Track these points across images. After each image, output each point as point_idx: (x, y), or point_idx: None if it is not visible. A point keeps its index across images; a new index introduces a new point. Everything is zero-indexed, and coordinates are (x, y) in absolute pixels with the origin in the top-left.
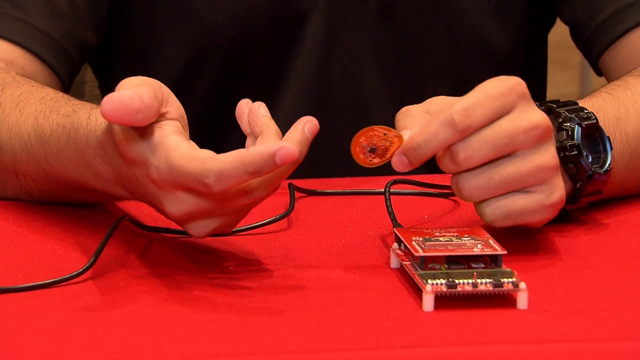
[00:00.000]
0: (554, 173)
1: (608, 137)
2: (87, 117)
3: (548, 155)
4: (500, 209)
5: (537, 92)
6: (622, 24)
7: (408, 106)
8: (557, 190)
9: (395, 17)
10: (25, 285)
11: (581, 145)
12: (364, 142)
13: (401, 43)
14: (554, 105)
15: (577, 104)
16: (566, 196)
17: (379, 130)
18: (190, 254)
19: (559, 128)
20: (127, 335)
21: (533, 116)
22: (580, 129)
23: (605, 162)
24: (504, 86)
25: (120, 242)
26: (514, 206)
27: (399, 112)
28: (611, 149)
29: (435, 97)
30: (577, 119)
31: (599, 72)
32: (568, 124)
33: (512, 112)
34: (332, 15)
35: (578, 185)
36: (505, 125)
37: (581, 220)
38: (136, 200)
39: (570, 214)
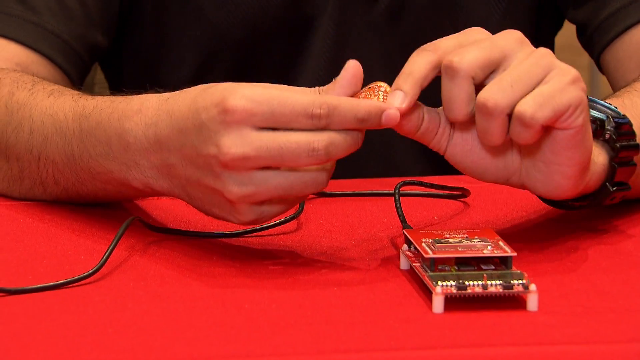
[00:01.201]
0: (554, 59)
1: (604, 101)
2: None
3: (540, 48)
4: (531, 100)
5: None
6: (623, 21)
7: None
8: (568, 68)
9: (404, 20)
10: (35, 286)
11: None
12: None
13: (410, 46)
14: None
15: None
16: (606, 156)
17: (378, 85)
18: (200, 255)
19: None
20: (137, 336)
21: (502, 32)
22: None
23: (618, 112)
24: (464, 31)
25: (131, 243)
26: (540, 91)
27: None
28: (615, 107)
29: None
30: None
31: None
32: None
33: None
34: (341, 19)
35: (607, 135)
36: (483, 39)
37: (590, 223)
38: (149, 192)
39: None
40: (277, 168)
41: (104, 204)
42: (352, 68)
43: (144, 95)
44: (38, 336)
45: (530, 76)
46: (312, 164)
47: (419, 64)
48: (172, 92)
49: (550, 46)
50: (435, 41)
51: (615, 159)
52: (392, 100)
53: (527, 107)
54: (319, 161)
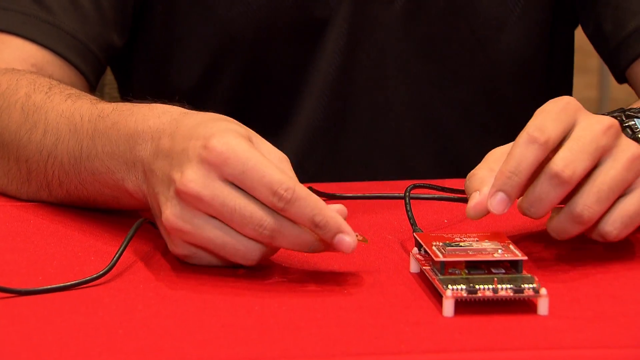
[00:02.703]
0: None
1: None
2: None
3: (632, 145)
4: (618, 221)
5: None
6: None
7: (472, 171)
8: None
9: (419, 22)
10: (45, 287)
11: None
12: None
13: (426, 48)
14: (606, 113)
15: (624, 109)
16: None
17: None
18: None
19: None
20: (147, 338)
21: (602, 119)
22: (639, 120)
23: None
24: (559, 102)
25: (141, 245)
26: (628, 211)
27: (466, 180)
28: None
29: (491, 151)
30: (632, 114)
31: (622, 81)
32: (627, 121)
33: (580, 123)
34: (355, 20)
35: None
36: (584, 132)
37: None
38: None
39: None
40: (220, 221)
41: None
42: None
43: (169, 105)
44: (48, 337)
45: (624, 184)
46: (254, 238)
47: (529, 162)
48: (194, 111)
49: (569, 48)
50: (542, 125)
51: None
52: (494, 203)
53: (612, 228)
54: (261, 239)
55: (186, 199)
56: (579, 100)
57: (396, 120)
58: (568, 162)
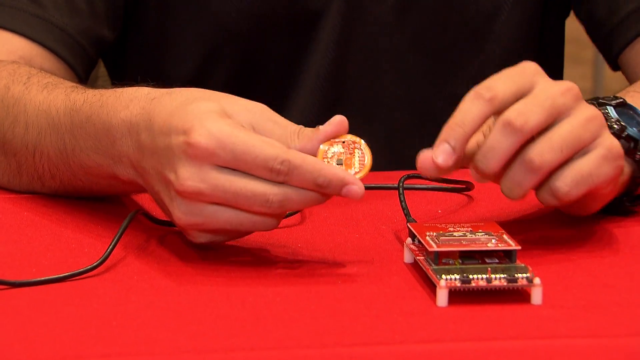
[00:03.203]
0: (603, 124)
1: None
2: (134, 90)
3: (591, 109)
4: (569, 178)
5: None
6: None
7: None
8: (613, 141)
9: (413, 15)
10: (39, 279)
11: (621, 120)
12: (327, 159)
13: (418, 41)
14: None
15: (597, 97)
16: (631, 174)
17: (335, 141)
18: (203, 248)
19: None
20: (141, 329)
21: (561, 82)
22: (612, 107)
23: None
24: (518, 66)
25: (134, 237)
26: (580, 169)
27: None
28: None
29: None
30: (604, 101)
31: (616, 68)
32: (600, 109)
33: (539, 85)
34: (349, 14)
35: (637, 156)
36: (541, 91)
37: (595, 217)
38: (139, 187)
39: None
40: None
41: (107, 198)
42: (338, 120)
43: (134, 89)
44: (42, 329)
45: (579, 141)
46: (264, 213)
47: (473, 114)
48: (160, 91)
49: (560, 36)
50: (491, 84)
51: (638, 178)
52: (438, 153)
53: (563, 184)
54: (271, 212)
55: (188, 196)
56: None
57: (389, 112)
58: (521, 112)
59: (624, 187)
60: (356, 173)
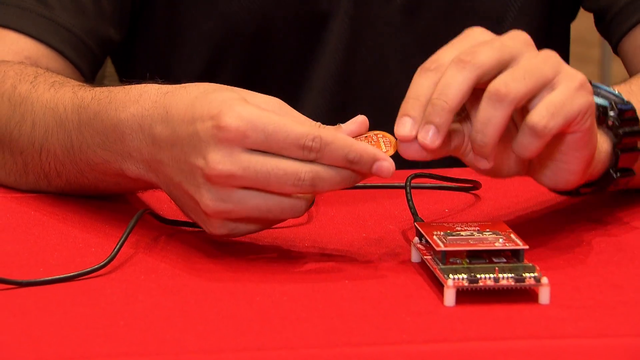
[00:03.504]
0: (562, 61)
1: (608, 87)
2: (141, 87)
3: (545, 50)
4: (543, 110)
5: None
6: None
7: None
8: (576, 72)
9: (421, 16)
10: (46, 278)
11: None
12: None
13: (427, 42)
14: None
15: None
16: (610, 143)
17: (374, 133)
18: (210, 247)
19: None
20: (148, 329)
21: (508, 32)
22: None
23: (622, 99)
24: (464, 34)
25: (142, 236)
26: (552, 100)
27: None
28: (619, 92)
29: None
30: None
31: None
32: None
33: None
34: (357, 15)
35: (610, 122)
36: (492, 40)
37: (602, 216)
38: (145, 184)
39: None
40: (258, 189)
41: (113, 197)
42: (361, 119)
43: (142, 85)
44: (49, 328)
45: (541, 73)
46: (296, 193)
47: (424, 87)
48: (172, 86)
49: (565, 41)
50: (435, 56)
51: (618, 145)
52: (400, 127)
53: (539, 117)
54: (303, 191)
55: (219, 181)
56: None
57: (397, 113)
58: (471, 50)
59: (607, 159)
60: (387, 152)
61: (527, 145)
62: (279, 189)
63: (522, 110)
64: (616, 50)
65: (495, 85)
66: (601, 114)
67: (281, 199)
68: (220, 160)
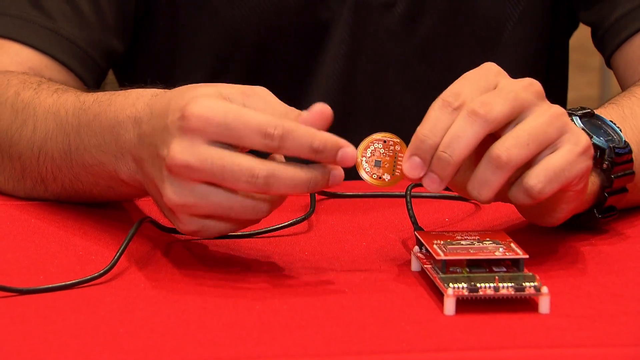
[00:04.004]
0: (569, 121)
1: (611, 121)
2: (138, 89)
3: (555, 107)
4: (542, 174)
5: (559, 95)
6: (633, 24)
7: None
8: (580, 134)
9: (420, 26)
10: (46, 286)
11: (586, 129)
12: (366, 157)
13: (426, 52)
14: None
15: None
16: (599, 184)
17: (376, 139)
18: (211, 256)
19: None
20: (148, 337)
21: (522, 79)
22: (578, 117)
23: (621, 139)
24: (479, 69)
25: (142, 244)
26: (552, 165)
27: None
28: (619, 129)
29: None
30: (571, 111)
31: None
32: None
33: (501, 82)
34: (357, 24)
35: (605, 165)
36: (506, 86)
37: (602, 228)
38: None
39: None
40: (216, 185)
41: (114, 206)
42: (318, 107)
43: (141, 89)
44: (49, 336)
45: (545, 137)
46: (250, 191)
47: (438, 127)
48: (165, 89)
49: (565, 49)
50: (456, 89)
51: (607, 189)
52: (409, 168)
53: (536, 181)
54: (257, 189)
55: (178, 172)
56: (580, 98)
57: (398, 121)
58: (485, 102)
59: (594, 198)
60: (391, 178)
61: (520, 199)
62: (233, 185)
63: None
64: (609, 63)
65: (497, 151)
66: (598, 155)
67: (243, 198)
68: (180, 151)
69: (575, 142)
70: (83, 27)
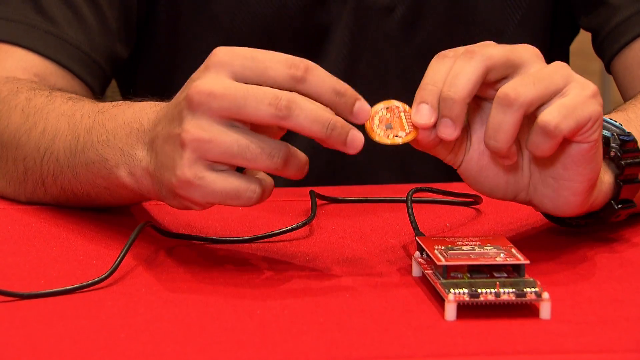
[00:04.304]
0: (572, 71)
1: (609, 118)
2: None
3: (557, 62)
4: (555, 111)
5: None
6: (633, 29)
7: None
8: (587, 81)
9: (419, 30)
10: (47, 290)
11: None
12: (379, 120)
13: (426, 56)
14: None
15: None
16: (612, 174)
17: (378, 110)
18: (212, 260)
19: None
20: (149, 342)
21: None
22: None
23: (623, 130)
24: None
25: (143, 249)
26: (564, 103)
27: None
28: (620, 123)
29: None
30: None
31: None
32: None
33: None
34: (357, 28)
35: (613, 152)
36: (501, 46)
37: (603, 232)
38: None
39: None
40: (238, 120)
41: (115, 210)
42: None
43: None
44: (50, 341)
45: (551, 80)
46: (272, 117)
47: (440, 72)
48: None
49: (565, 55)
50: (455, 48)
51: (620, 176)
52: (419, 116)
53: (551, 117)
54: (279, 112)
55: (199, 102)
56: None
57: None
58: (482, 46)
59: (610, 189)
60: (409, 133)
61: (539, 144)
62: (256, 110)
63: (532, 119)
64: (609, 69)
65: (505, 90)
66: (603, 144)
67: (261, 138)
68: (204, 83)
69: (584, 87)
70: (86, 33)
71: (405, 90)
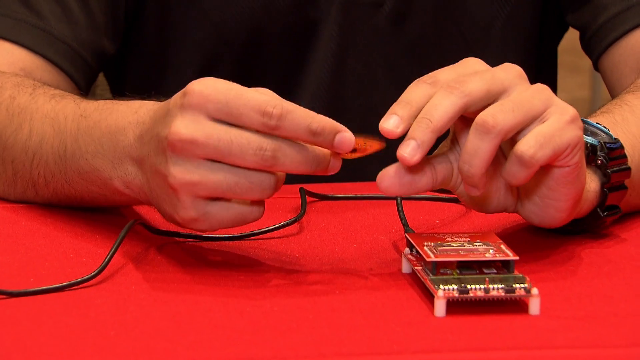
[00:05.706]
0: (553, 95)
1: (597, 123)
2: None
3: (537, 84)
4: (532, 140)
5: None
6: (620, 26)
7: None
8: (566, 106)
9: (408, 25)
10: (37, 288)
11: None
12: None
13: (415, 51)
14: None
15: None
16: (599, 182)
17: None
18: (201, 258)
19: None
20: (139, 339)
21: (502, 64)
22: None
23: (610, 136)
24: (461, 61)
25: (132, 246)
26: (541, 131)
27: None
28: (607, 128)
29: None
30: None
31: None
32: None
33: (479, 70)
34: (345, 24)
35: (599, 160)
36: (483, 70)
37: (605, 232)
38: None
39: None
40: (222, 162)
41: (105, 208)
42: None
43: (145, 101)
44: (40, 338)
45: (530, 106)
46: (257, 165)
47: (417, 95)
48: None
49: (553, 53)
50: (433, 73)
51: (606, 184)
52: (386, 122)
53: (527, 147)
54: (264, 162)
55: (182, 148)
56: (572, 100)
57: None
58: (460, 79)
59: (596, 198)
60: (369, 148)
61: (514, 173)
62: (240, 159)
63: (511, 142)
64: (596, 66)
65: (483, 116)
66: (590, 152)
67: (250, 172)
68: (184, 126)
69: (563, 112)
70: (73, 27)
71: (394, 85)
